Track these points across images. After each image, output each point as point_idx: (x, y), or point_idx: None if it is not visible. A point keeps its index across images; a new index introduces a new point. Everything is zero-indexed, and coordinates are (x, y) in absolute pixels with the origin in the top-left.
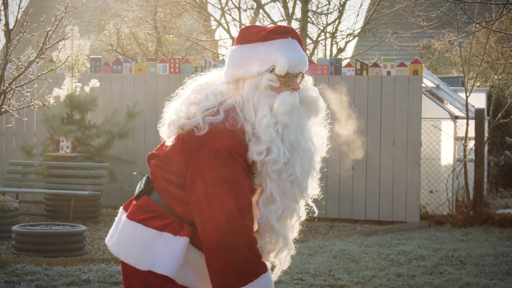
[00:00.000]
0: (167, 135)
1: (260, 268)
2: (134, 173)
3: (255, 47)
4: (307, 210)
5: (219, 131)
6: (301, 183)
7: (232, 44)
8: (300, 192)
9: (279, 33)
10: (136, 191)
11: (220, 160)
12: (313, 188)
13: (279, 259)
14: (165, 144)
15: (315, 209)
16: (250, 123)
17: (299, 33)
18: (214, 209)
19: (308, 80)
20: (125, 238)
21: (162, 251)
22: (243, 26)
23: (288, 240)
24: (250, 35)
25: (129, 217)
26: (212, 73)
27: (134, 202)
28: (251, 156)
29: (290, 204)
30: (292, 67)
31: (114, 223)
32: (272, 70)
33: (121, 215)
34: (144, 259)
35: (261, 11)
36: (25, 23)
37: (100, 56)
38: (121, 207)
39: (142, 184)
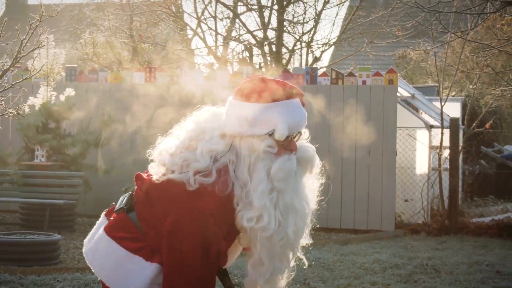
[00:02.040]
0: (155, 172)
1: None
2: (123, 188)
3: (258, 108)
4: None
5: (207, 194)
6: (293, 244)
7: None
8: (293, 251)
9: (283, 95)
10: (118, 205)
11: (202, 220)
12: (305, 239)
13: None
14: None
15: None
16: (242, 183)
17: (274, 42)
18: (182, 268)
19: (305, 133)
20: (100, 251)
21: (132, 274)
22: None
23: None
24: (252, 93)
25: (107, 230)
26: (210, 115)
27: (115, 214)
28: (240, 222)
29: (280, 265)
30: (292, 129)
31: (94, 227)
32: (271, 134)
33: (102, 222)
34: (114, 278)
35: (237, 20)
36: (0, 32)
37: (76, 65)
38: (103, 213)
39: (125, 200)
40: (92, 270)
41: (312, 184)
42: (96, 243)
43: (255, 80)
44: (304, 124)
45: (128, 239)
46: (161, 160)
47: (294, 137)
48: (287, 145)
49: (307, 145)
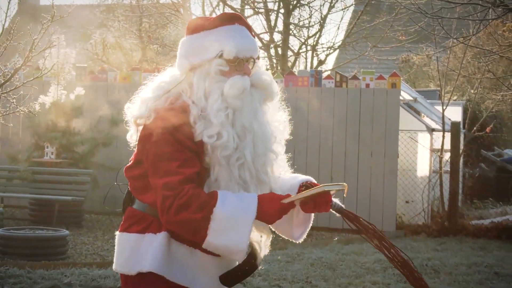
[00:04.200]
0: (130, 136)
1: (209, 203)
2: (115, 183)
3: (203, 36)
4: None
5: (163, 112)
6: (252, 166)
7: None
8: (253, 175)
9: (225, 20)
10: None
11: (164, 138)
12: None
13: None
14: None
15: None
16: (199, 107)
17: (280, 45)
18: (161, 180)
19: (262, 66)
20: (117, 250)
21: (146, 250)
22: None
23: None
24: (197, 25)
25: (119, 229)
26: (167, 71)
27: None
28: (199, 136)
29: (238, 189)
30: (241, 51)
31: None
32: (221, 56)
33: None
34: (132, 263)
35: None
36: (12, 31)
37: (86, 65)
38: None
39: (125, 197)
40: (118, 272)
41: (279, 115)
42: (116, 249)
43: (198, 17)
44: (254, 49)
45: (134, 224)
46: (131, 122)
47: (247, 62)
48: (239, 68)
49: (263, 71)
